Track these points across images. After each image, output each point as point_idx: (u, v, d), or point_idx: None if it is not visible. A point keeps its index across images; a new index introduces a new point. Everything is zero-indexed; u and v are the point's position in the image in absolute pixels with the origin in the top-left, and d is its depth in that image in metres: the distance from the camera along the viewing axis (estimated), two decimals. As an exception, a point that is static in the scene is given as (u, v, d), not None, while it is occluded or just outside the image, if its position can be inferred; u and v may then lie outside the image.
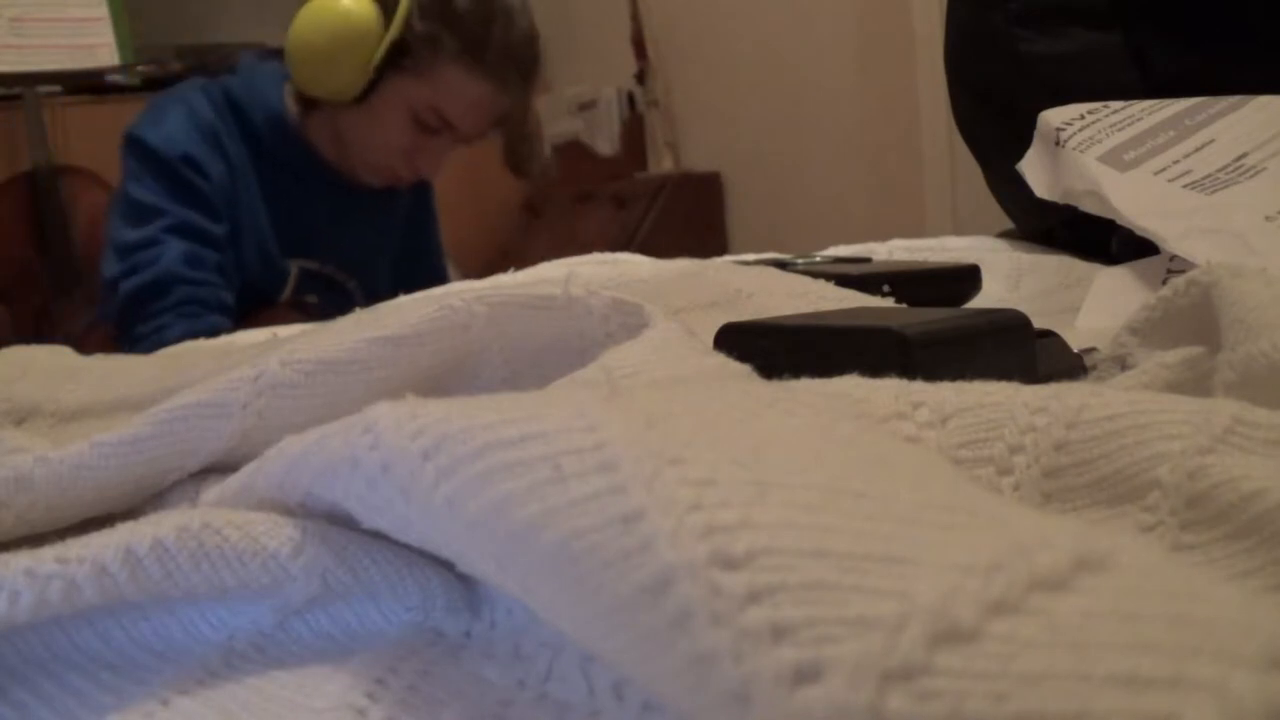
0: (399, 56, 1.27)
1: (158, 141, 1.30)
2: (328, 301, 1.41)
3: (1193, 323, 0.38)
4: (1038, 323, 0.41)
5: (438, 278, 1.55)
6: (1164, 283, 0.44)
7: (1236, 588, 0.15)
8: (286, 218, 1.37)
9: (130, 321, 1.28)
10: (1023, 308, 0.41)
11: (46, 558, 0.23)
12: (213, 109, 1.34)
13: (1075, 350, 0.43)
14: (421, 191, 1.54)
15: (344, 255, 1.43)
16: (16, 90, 2.41)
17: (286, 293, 1.39)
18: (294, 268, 1.39)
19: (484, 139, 1.39)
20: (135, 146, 1.32)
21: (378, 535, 0.25)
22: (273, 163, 1.36)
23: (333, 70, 1.28)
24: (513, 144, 1.41)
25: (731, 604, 0.15)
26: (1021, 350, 0.39)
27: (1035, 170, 0.78)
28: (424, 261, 1.56)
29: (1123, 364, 0.40)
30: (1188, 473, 0.25)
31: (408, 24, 1.26)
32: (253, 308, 1.36)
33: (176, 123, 1.31)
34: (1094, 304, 0.63)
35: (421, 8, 1.26)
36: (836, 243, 0.94)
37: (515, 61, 1.33)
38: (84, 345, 0.63)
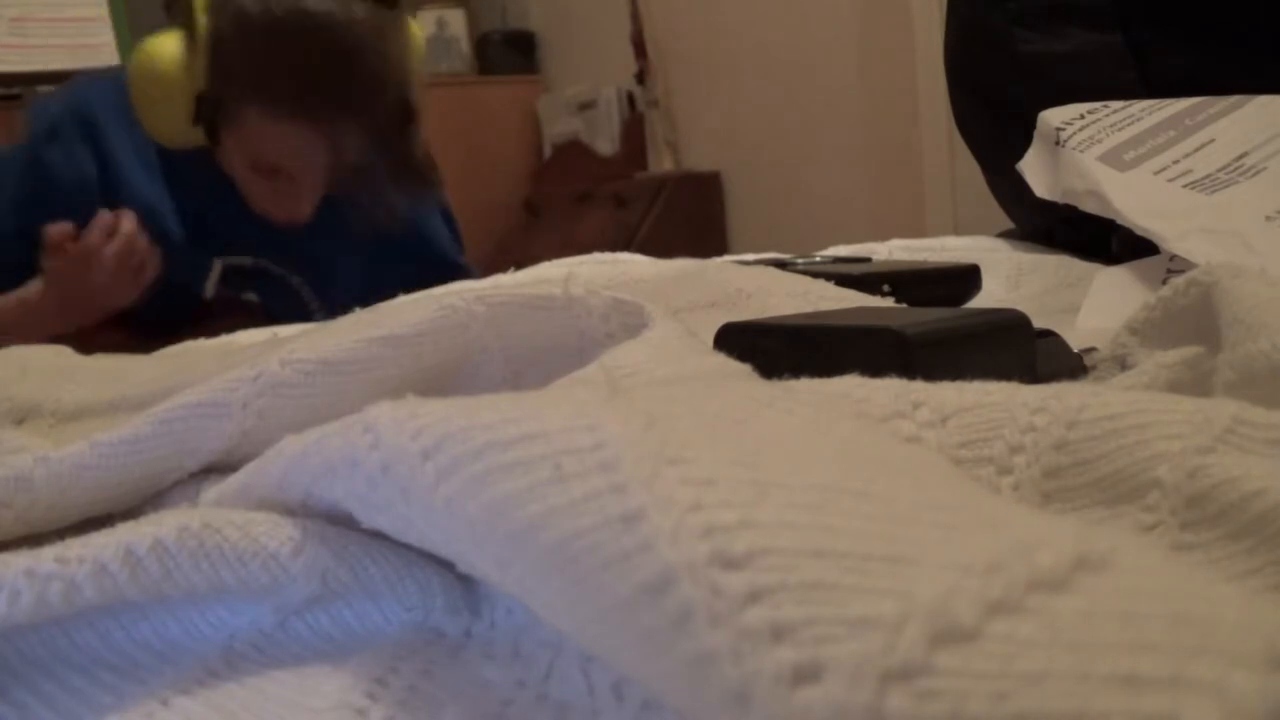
0: (213, 110, 1.17)
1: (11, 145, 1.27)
2: (271, 299, 1.34)
3: (1193, 323, 0.38)
4: (1038, 323, 0.41)
5: (441, 265, 1.41)
6: (1164, 283, 0.44)
7: (1236, 588, 0.15)
8: (208, 213, 1.29)
9: None
10: (1023, 308, 0.41)
11: (46, 558, 0.23)
12: (111, 104, 1.26)
13: (1075, 350, 0.43)
14: None
15: (282, 250, 1.32)
16: (16, 90, 2.41)
17: (210, 289, 1.31)
18: (217, 264, 1.31)
19: (347, 176, 1.25)
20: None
21: (378, 535, 0.25)
22: (186, 160, 1.28)
23: (161, 124, 1.20)
24: (348, 188, 1.24)
25: (731, 604, 0.15)
26: (1021, 350, 0.39)
27: (1035, 170, 0.78)
28: (415, 252, 1.42)
29: (1123, 364, 0.40)
30: (1188, 472, 0.25)
31: (206, 76, 1.15)
32: (175, 304, 1.29)
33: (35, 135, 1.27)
34: (1094, 304, 0.63)
35: (213, 59, 1.15)
36: (836, 243, 0.94)
37: (319, 91, 1.15)
38: (85, 343, 0.63)
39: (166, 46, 1.17)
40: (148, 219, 1.26)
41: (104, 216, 1.18)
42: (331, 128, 1.18)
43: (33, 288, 1.22)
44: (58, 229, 1.17)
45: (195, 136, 1.19)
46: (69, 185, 1.25)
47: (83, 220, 1.24)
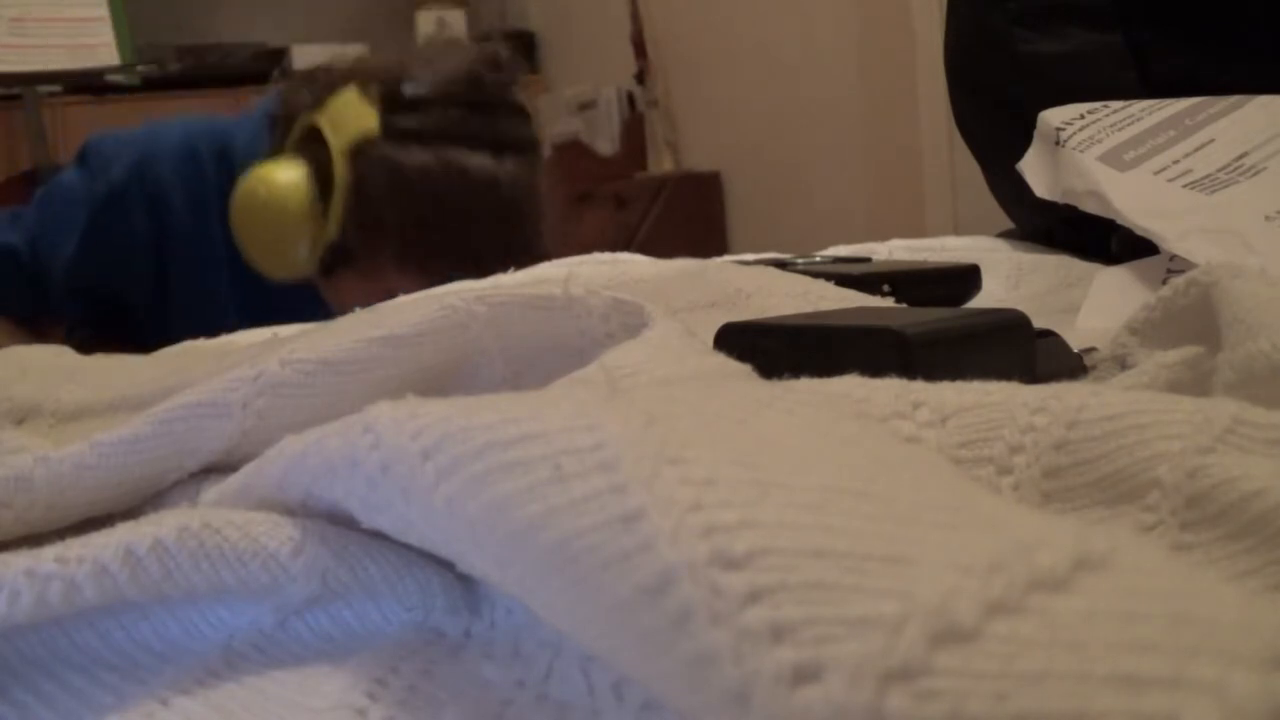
0: (341, 255, 1.11)
1: (84, 177, 1.21)
2: None
3: (1193, 323, 0.38)
4: (1038, 323, 0.41)
5: None
6: (1164, 283, 0.44)
7: (1236, 588, 0.15)
8: (270, 290, 1.24)
9: None
10: (1023, 308, 0.41)
11: (46, 558, 0.23)
12: (181, 184, 1.20)
13: (1075, 350, 0.43)
14: None
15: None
16: (16, 90, 2.42)
17: None
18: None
19: None
20: (85, 156, 1.22)
21: (378, 535, 0.25)
22: None
23: (271, 259, 1.13)
24: None
25: (731, 604, 0.15)
26: (1021, 350, 0.39)
27: (1035, 170, 0.78)
28: None
29: (1123, 364, 0.40)
30: (1187, 472, 0.25)
31: (343, 227, 1.09)
32: None
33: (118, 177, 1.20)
34: (1094, 304, 0.63)
35: (355, 211, 1.08)
36: (836, 243, 0.94)
37: (472, 259, 1.11)
38: (83, 343, 0.63)
39: (289, 183, 1.09)
40: (201, 308, 1.21)
41: None
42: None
43: None
44: None
45: (305, 271, 1.13)
46: (120, 254, 1.20)
47: (131, 284, 1.21)
